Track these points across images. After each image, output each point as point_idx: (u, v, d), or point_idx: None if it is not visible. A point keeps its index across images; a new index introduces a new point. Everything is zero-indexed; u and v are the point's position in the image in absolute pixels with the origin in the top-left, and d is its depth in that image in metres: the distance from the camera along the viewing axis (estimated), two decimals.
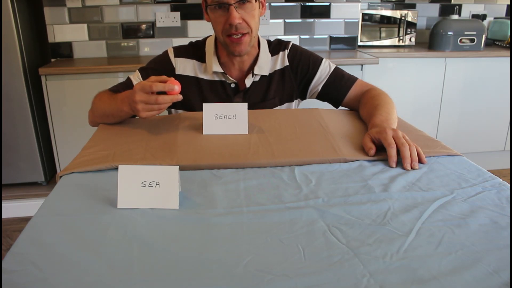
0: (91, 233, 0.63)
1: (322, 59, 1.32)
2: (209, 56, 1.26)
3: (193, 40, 1.33)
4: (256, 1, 1.15)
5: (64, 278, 0.53)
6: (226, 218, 0.67)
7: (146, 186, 0.71)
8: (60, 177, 0.83)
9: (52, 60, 2.58)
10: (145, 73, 1.26)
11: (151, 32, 2.65)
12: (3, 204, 2.31)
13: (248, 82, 1.27)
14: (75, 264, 0.56)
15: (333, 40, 2.84)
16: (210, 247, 0.60)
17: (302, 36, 2.80)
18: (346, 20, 2.81)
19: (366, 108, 1.16)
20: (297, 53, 1.32)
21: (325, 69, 1.31)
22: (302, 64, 1.31)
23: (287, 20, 2.75)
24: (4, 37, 2.14)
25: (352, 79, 1.31)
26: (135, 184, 0.71)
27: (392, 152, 0.88)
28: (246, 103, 1.05)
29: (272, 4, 2.70)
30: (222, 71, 1.25)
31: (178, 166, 0.72)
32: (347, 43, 2.85)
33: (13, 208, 2.32)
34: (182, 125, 1.09)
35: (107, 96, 1.17)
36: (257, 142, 0.97)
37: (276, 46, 1.32)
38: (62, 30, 2.55)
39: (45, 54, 2.58)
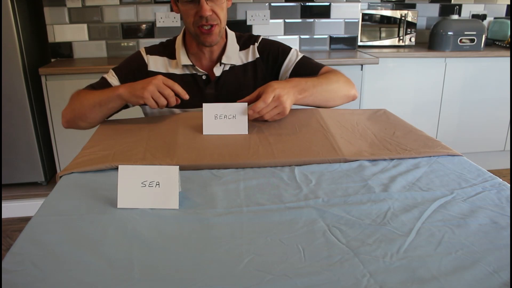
0: (91, 233, 0.63)
1: (291, 48, 1.35)
2: (178, 51, 1.30)
3: None
4: None
5: (64, 278, 0.53)
6: (226, 218, 0.67)
7: (146, 186, 0.71)
8: (60, 177, 0.83)
9: (52, 60, 2.58)
10: (120, 71, 1.29)
11: (151, 32, 2.65)
12: (3, 204, 2.31)
13: (217, 71, 1.30)
14: (75, 264, 0.56)
15: (333, 40, 2.84)
16: (210, 247, 0.60)
17: (302, 36, 2.80)
18: (346, 20, 2.81)
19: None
20: (266, 45, 1.35)
21: (293, 57, 1.34)
22: (272, 53, 1.34)
23: (287, 20, 2.75)
24: (4, 37, 2.14)
25: (319, 66, 1.34)
26: (135, 184, 0.71)
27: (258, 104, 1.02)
28: (246, 103, 1.06)
29: (272, 4, 2.70)
30: (191, 63, 1.28)
31: (178, 166, 0.72)
32: (347, 43, 2.85)
33: (13, 208, 2.32)
34: (182, 125, 1.09)
35: (91, 91, 1.20)
36: (257, 142, 0.97)
37: (246, 41, 1.35)
38: (62, 30, 2.55)
39: (45, 54, 2.58)
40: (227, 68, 1.30)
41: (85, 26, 2.57)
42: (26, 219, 2.13)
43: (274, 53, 1.34)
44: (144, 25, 2.63)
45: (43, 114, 2.34)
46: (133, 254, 0.58)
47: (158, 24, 2.63)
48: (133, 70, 1.28)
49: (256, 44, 1.34)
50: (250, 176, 0.83)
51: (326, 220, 0.66)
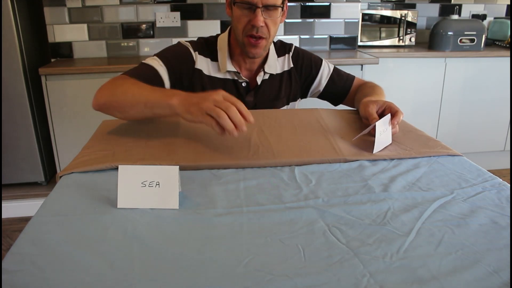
0: (91, 233, 0.63)
1: (321, 60, 1.38)
2: (222, 55, 1.27)
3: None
4: (281, 9, 1.18)
5: (64, 278, 0.53)
6: (226, 218, 0.67)
7: (146, 186, 0.71)
8: (60, 177, 0.83)
9: (52, 60, 2.58)
10: (167, 61, 1.20)
11: (151, 32, 2.65)
12: (3, 204, 2.31)
13: (259, 79, 1.29)
14: (75, 264, 0.56)
15: (333, 40, 2.84)
16: (210, 247, 0.60)
17: (302, 36, 2.80)
18: (346, 20, 2.81)
19: (363, 92, 1.24)
20: (299, 55, 1.36)
21: (325, 70, 1.36)
22: (305, 65, 1.35)
23: (287, 20, 2.75)
24: (4, 37, 2.14)
25: (351, 78, 1.37)
26: (135, 184, 0.71)
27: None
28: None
29: None
30: (236, 70, 1.27)
31: (178, 166, 0.72)
32: (347, 43, 2.85)
33: (13, 208, 2.32)
34: (182, 125, 1.09)
35: (139, 82, 1.05)
36: (257, 142, 0.97)
37: (280, 48, 1.35)
38: (62, 30, 2.55)
39: (45, 54, 2.58)
40: (266, 77, 1.30)
41: (85, 26, 2.57)
42: (26, 219, 2.13)
43: (307, 65, 1.35)
44: (144, 25, 2.63)
45: (43, 114, 2.34)
46: (133, 254, 0.58)
47: (158, 24, 2.63)
48: (182, 63, 1.22)
49: (290, 54, 1.34)
50: (250, 176, 0.83)
51: (326, 220, 0.66)
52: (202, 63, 1.27)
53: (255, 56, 1.22)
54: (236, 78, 1.28)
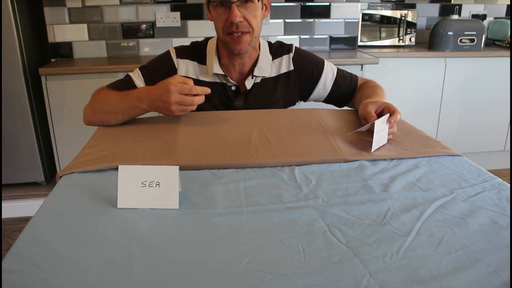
0: (91, 233, 0.63)
1: (324, 62, 1.33)
2: (210, 58, 1.25)
3: (193, 40, 1.33)
4: (258, 1, 1.15)
5: (64, 278, 0.53)
6: (226, 218, 0.67)
7: (146, 186, 0.71)
8: (60, 177, 0.83)
9: (52, 60, 2.58)
10: (147, 72, 1.25)
11: (151, 32, 2.65)
12: (3, 204, 2.31)
13: (249, 84, 1.26)
14: (75, 264, 0.56)
15: (333, 40, 2.84)
16: (210, 247, 0.60)
17: (302, 36, 2.80)
18: (346, 20, 2.81)
19: (364, 93, 1.23)
20: (301, 57, 1.32)
21: (329, 74, 1.32)
22: (306, 68, 1.31)
23: (287, 20, 2.75)
24: (4, 37, 2.14)
25: (354, 79, 1.34)
26: (135, 184, 0.71)
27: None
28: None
29: (272, 4, 2.70)
30: (223, 73, 1.24)
31: (178, 166, 0.72)
32: (347, 43, 2.85)
33: (13, 208, 2.32)
34: (182, 125, 1.09)
35: (114, 93, 1.14)
36: (257, 142, 0.97)
37: (278, 49, 1.31)
38: (62, 30, 2.55)
39: (45, 54, 2.58)
40: (258, 80, 1.26)
41: (85, 26, 2.57)
42: (26, 219, 2.13)
43: (308, 68, 1.31)
44: (144, 25, 2.63)
45: (43, 114, 2.34)
46: (133, 254, 0.58)
47: (158, 24, 2.63)
48: (162, 73, 1.20)
49: (291, 55, 1.30)
50: (250, 176, 0.83)
51: (326, 220, 0.66)
52: (188, 68, 1.25)
53: (241, 52, 1.18)
54: (224, 81, 1.25)
